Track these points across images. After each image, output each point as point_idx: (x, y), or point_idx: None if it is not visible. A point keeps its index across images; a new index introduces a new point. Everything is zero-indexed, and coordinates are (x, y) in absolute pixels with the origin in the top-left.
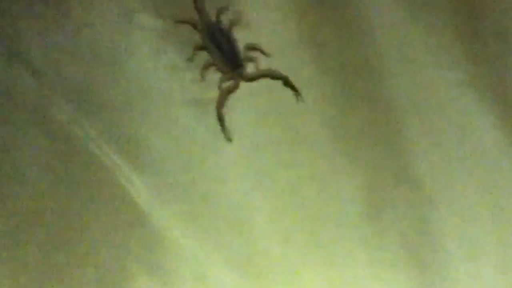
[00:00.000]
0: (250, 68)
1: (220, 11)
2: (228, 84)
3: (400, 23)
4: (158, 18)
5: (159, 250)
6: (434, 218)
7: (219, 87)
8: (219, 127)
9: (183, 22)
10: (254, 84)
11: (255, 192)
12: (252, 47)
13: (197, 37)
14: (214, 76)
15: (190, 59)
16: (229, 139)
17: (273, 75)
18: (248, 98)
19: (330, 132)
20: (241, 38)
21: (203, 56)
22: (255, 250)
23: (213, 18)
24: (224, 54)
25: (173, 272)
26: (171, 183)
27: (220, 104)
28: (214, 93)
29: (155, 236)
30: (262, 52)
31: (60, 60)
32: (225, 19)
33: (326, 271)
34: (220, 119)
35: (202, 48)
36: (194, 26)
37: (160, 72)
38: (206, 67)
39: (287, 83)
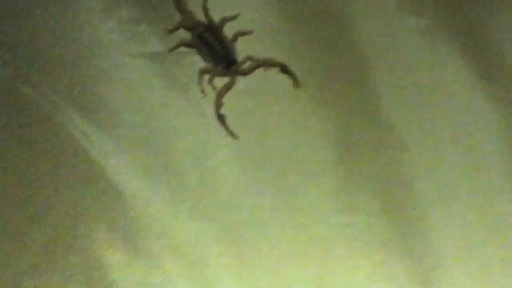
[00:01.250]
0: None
1: (206, 11)
2: (224, 83)
3: None
4: None
5: (117, 204)
6: (406, 161)
7: (214, 87)
8: (177, 79)
9: (174, 30)
10: None
11: (220, 143)
12: (237, 36)
13: None
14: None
15: (171, 50)
16: (235, 137)
17: (269, 64)
18: None
19: (299, 77)
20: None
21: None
22: (221, 201)
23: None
24: (214, 53)
25: (134, 226)
26: (128, 136)
27: (218, 104)
28: (171, 44)
29: (112, 191)
30: (245, 33)
31: (11, 17)
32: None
33: (296, 219)
34: (221, 120)
35: (192, 46)
36: (186, 28)
37: (114, 25)
38: (201, 74)
39: (284, 70)
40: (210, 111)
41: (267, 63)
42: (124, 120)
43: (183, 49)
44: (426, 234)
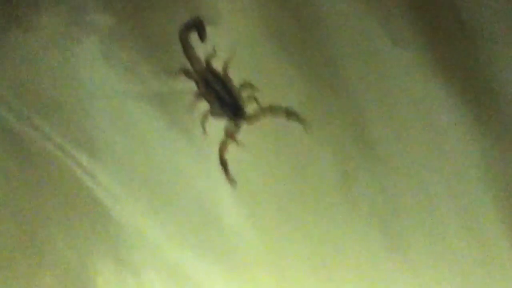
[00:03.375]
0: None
1: (209, 58)
2: (230, 128)
3: (358, 7)
4: (108, 14)
5: (124, 244)
6: (398, 188)
7: (223, 138)
8: (179, 119)
9: (177, 73)
10: None
11: (220, 177)
12: (246, 84)
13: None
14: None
15: (190, 110)
16: (233, 183)
17: (275, 112)
18: None
19: (300, 111)
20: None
21: (160, 54)
22: (226, 235)
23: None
24: (222, 100)
25: (141, 265)
26: (133, 177)
27: (223, 149)
28: (173, 87)
29: (118, 231)
30: (253, 88)
31: (7, 61)
32: (216, 61)
33: (301, 248)
34: (223, 164)
35: (201, 96)
36: (188, 75)
37: (113, 68)
38: (205, 117)
39: (289, 113)
40: (210, 151)
41: (273, 111)
42: (128, 160)
43: (184, 89)
44: (417, 260)
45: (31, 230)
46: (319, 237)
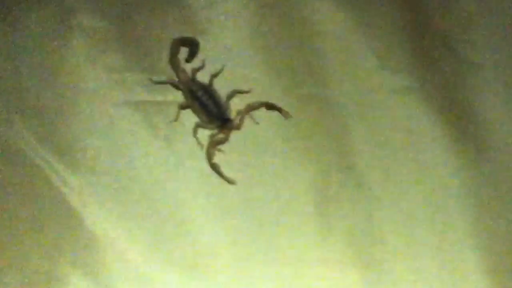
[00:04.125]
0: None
1: (196, 70)
2: (217, 136)
3: (346, 29)
4: (97, 18)
5: (93, 251)
6: (378, 216)
7: (209, 143)
8: (161, 128)
9: (162, 82)
10: None
11: (198, 191)
12: (233, 94)
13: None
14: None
15: (174, 120)
16: (233, 183)
17: (254, 108)
18: None
19: (280, 131)
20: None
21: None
22: (199, 250)
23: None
24: (209, 111)
25: (109, 272)
26: (106, 183)
27: (210, 156)
28: (160, 96)
29: (89, 236)
30: (242, 92)
31: None
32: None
33: (273, 270)
34: (215, 169)
35: (186, 107)
36: (175, 86)
37: (97, 73)
38: (195, 130)
39: (269, 107)
40: (191, 161)
41: (252, 108)
42: (105, 168)
43: (167, 98)
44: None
45: (6, 235)
46: (291, 259)
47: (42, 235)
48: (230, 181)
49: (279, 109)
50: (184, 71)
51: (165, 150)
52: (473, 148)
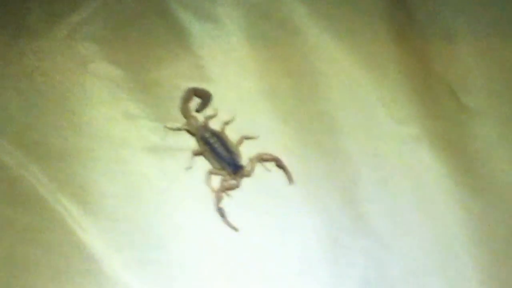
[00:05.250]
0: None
1: (208, 118)
2: (228, 182)
3: (355, 79)
4: (113, 66)
5: None
6: (389, 264)
7: (219, 187)
8: (176, 175)
9: (177, 129)
10: None
11: (208, 239)
12: (242, 140)
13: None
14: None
15: (188, 167)
16: (235, 229)
17: (265, 159)
18: None
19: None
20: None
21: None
22: None
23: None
24: (221, 158)
25: None
26: (124, 230)
27: (218, 199)
28: (174, 142)
29: (108, 284)
30: (250, 138)
31: (10, 105)
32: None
33: None
34: (221, 214)
35: (199, 153)
36: (189, 132)
37: (115, 119)
38: (208, 177)
39: (279, 164)
40: (208, 206)
41: (263, 158)
42: (123, 214)
43: (181, 145)
44: None
45: (19, 275)
46: None
47: (61, 282)
48: (233, 228)
49: (286, 171)
50: (195, 118)
51: (180, 194)
52: (480, 197)
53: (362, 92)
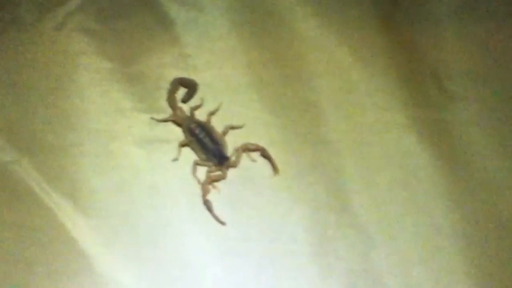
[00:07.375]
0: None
1: (194, 109)
2: (214, 173)
3: (342, 68)
4: (102, 57)
5: None
6: (374, 256)
7: (206, 179)
8: (165, 167)
9: (163, 120)
10: None
11: (200, 232)
12: (227, 129)
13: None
14: (158, 117)
15: (175, 159)
16: (222, 223)
17: (250, 149)
18: None
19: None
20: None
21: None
22: None
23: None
24: (206, 149)
25: None
26: (116, 225)
27: (205, 193)
28: (161, 134)
29: (100, 281)
30: (235, 127)
31: (6, 101)
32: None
33: None
34: (208, 208)
35: (185, 144)
36: (175, 123)
37: (105, 112)
38: (194, 168)
39: (264, 154)
40: (197, 200)
41: (248, 148)
42: (112, 209)
43: (170, 136)
44: None
45: (9, 271)
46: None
47: (53, 279)
48: (220, 221)
49: (271, 162)
50: (181, 109)
51: (172, 192)
52: (464, 186)
53: (348, 81)
